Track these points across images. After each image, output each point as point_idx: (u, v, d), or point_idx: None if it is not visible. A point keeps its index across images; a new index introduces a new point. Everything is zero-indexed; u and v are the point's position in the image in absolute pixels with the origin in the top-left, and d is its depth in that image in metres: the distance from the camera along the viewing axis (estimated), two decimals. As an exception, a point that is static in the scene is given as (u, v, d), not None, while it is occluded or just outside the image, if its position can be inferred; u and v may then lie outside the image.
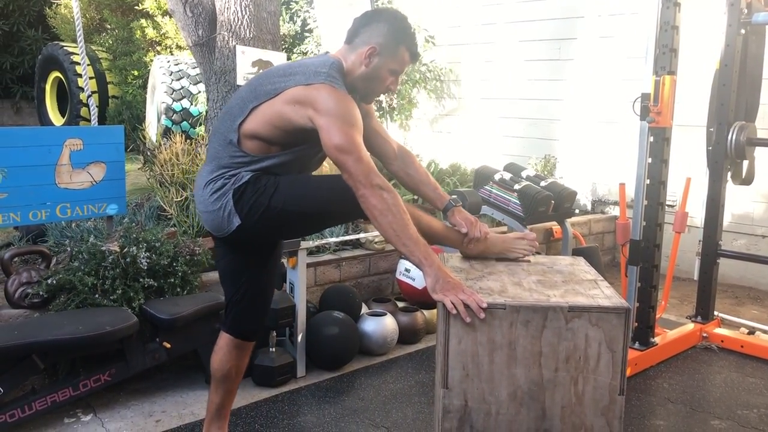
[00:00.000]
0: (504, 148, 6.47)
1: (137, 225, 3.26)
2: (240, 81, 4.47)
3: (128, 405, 2.89)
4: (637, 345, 3.42)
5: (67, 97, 9.22)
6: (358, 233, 4.10)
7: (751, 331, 3.93)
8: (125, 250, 2.93)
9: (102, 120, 9.16)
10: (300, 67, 2.09)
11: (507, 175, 4.48)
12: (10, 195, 3.08)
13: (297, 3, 7.96)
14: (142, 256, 2.91)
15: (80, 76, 9.02)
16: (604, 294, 1.97)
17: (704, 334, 3.81)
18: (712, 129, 3.71)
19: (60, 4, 9.89)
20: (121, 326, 2.67)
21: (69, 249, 3.06)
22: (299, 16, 7.88)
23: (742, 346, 3.68)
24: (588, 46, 5.84)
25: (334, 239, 3.88)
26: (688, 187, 3.85)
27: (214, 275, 3.41)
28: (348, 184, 1.98)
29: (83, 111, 9.05)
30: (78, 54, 9.14)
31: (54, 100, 9.91)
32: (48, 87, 9.83)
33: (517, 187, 4.32)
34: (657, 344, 3.48)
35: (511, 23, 6.35)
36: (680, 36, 3.23)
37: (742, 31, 3.56)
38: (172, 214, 3.46)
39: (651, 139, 3.26)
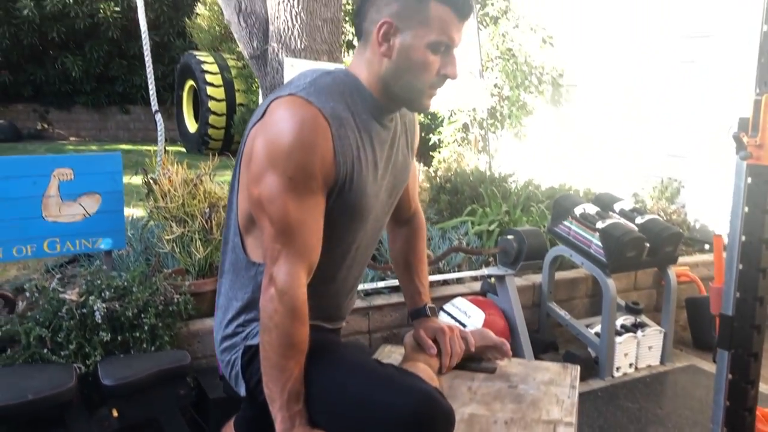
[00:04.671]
0: (621, 165, 5.50)
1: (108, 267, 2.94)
2: (287, 97, 4.06)
3: (78, 475, 2.57)
4: (724, 458, 2.52)
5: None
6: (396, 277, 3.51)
7: None
8: (83, 298, 2.61)
9: (229, 127, 9.30)
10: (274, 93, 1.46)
11: (591, 209, 3.65)
12: (-8, 229, 2.89)
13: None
14: (96, 306, 2.57)
15: (210, 84, 9.24)
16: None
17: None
18: None
19: (199, 15, 10.18)
20: (47, 394, 2.32)
21: (28, 295, 2.80)
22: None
23: None
24: (727, 46, 4.73)
25: (364, 285, 3.33)
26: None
27: (206, 324, 3.02)
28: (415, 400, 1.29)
29: (211, 118, 9.23)
30: (208, 62, 9.39)
31: (190, 106, 10.25)
32: (185, 94, 10.18)
33: (600, 225, 3.49)
34: (757, 458, 2.55)
35: (639, 22, 5.36)
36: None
37: None
38: (173, 251, 3.12)
39: (749, 180, 2.36)
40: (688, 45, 4.98)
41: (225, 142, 9.23)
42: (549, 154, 6.32)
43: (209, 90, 9.15)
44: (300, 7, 4.01)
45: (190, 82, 9.77)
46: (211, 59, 9.40)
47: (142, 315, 2.69)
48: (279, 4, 4.01)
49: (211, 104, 9.14)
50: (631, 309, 3.76)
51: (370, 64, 1.42)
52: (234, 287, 1.50)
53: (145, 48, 4.78)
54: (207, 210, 3.05)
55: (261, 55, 4.26)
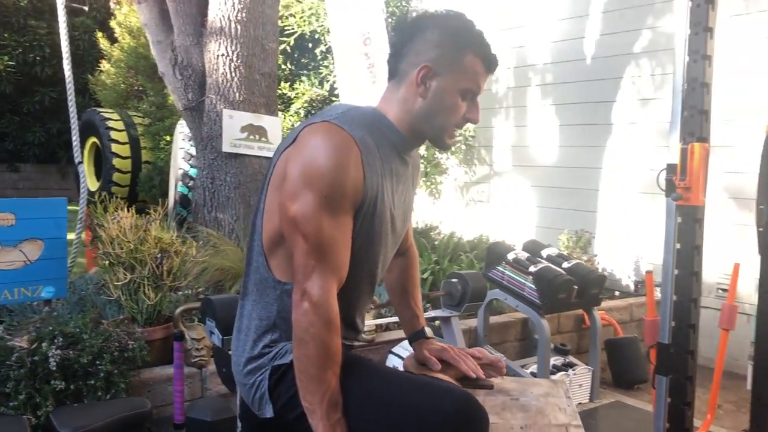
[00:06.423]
0: (536, 219, 5.88)
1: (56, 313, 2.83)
2: (226, 147, 4.09)
3: None
4: (667, 479, 2.72)
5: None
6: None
7: (824, 458, 3.15)
8: (34, 345, 2.49)
9: (134, 185, 9.06)
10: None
11: (523, 255, 3.88)
12: (-76, 277, 2.72)
13: (327, 67, 7.69)
14: (51, 353, 2.46)
15: (114, 141, 9.00)
16: (568, 457, 1.37)
17: (761, 460, 3.06)
18: (762, 206, 3.05)
19: (103, 72, 9.97)
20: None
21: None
22: (328, 81, 7.59)
23: (810, 480, 2.92)
24: (627, 110, 5.24)
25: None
26: (736, 274, 3.19)
27: (156, 373, 2.93)
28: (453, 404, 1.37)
29: (116, 176, 8.97)
30: (113, 119, 9.18)
31: (91, 164, 9.90)
32: (86, 152, 9.84)
33: (532, 269, 3.72)
34: (694, 477, 2.77)
35: (545, 85, 5.84)
36: (712, 95, 2.64)
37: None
38: (119, 298, 3.03)
39: (679, 220, 2.65)
40: (598, 109, 5.48)
41: (130, 199, 8.96)
42: (465, 209, 6.62)
43: (114, 147, 8.91)
44: (239, 60, 4.11)
45: (93, 139, 9.47)
46: (116, 116, 9.19)
47: (98, 362, 2.59)
48: (218, 57, 4.09)
49: (116, 161, 8.89)
50: (560, 350, 3.99)
51: (404, 102, 1.54)
52: (257, 306, 1.53)
53: (70, 101, 4.66)
54: (159, 255, 3.00)
55: (196, 107, 4.29)
